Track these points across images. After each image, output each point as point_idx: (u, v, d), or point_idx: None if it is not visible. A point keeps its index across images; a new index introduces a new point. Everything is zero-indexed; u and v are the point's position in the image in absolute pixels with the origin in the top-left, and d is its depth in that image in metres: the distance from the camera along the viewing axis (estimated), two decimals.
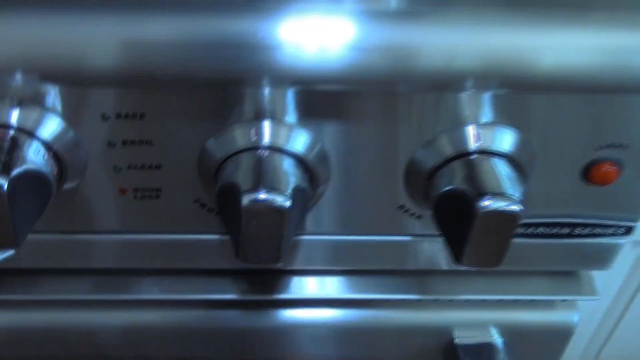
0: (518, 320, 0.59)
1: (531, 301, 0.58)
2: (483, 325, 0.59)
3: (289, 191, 0.38)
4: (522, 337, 0.59)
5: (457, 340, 0.59)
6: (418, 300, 0.56)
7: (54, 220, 0.46)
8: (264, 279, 0.55)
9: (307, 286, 0.55)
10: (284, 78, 0.39)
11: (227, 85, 0.39)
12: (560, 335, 0.59)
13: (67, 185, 0.43)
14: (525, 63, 0.39)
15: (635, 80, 0.40)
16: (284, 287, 0.54)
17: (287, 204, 0.38)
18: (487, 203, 0.38)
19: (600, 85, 0.40)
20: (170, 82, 0.39)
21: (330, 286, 0.55)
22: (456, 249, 0.41)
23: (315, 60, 0.39)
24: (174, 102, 0.40)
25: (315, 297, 0.55)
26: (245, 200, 0.38)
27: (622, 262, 0.64)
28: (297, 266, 0.51)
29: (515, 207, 0.38)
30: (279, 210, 0.38)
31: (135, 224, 0.46)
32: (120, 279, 0.55)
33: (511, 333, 0.59)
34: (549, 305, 0.58)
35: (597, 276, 0.57)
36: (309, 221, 0.47)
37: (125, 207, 0.45)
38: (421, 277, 0.56)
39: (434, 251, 0.52)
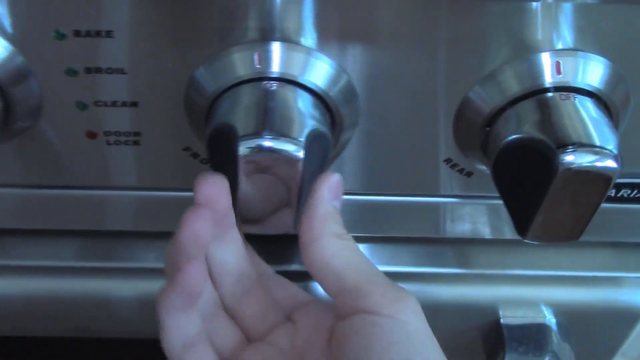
0: (576, 298, 0.49)
1: (593, 277, 0.48)
2: (534, 304, 0.49)
3: (303, 137, 0.29)
4: (580, 318, 0.50)
5: (503, 320, 0.50)
6: (457, 274, 0.47)
7: (19, 171, 0.37)
8: (273, 248, 0.46)
9: None
10: None
11: None
12: (626, 318, 0.50)
13: (18, 125, 0.33)
14: None
15: None
16: (296, 257, 0.45)
17: (300, 153, 0.28)
18: (571, 158, 0.28)
19: None
20: None
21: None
22: (522, 217, 0.31)
23: None
24: (151, 15, 0.30)
25: None
26: (244, 148, 0.28)
27: None
28: None
29: (609, 163, 0.28)
30: (290, 161, 0.28)
31: (110, 177, 0.37)
32: (106, 242, 0.45)
33: (567, 314, 0.50)
34: (613, 281, 0.49)
35: None
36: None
37: (97, 154, 0.35)
38: (461, 246, 0.47)
39: (478, 216, 0.42)
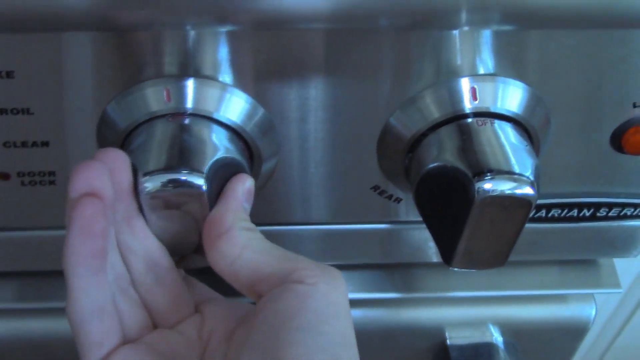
0: (522, 317, 0.49)
1: (538, 295, 0.48)
2: (480, 324, 0.49)
3: (206, 169, 0.28)
4: (527, 336, 0.50)
5: (449, 341, 0.49)
6: (403, 299, 0.46)
7: None
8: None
9: None
10: (215, 14, 0.28)
11: (131, 27, 0.28)
12: (573, 333, 0.50)
13: None
14: None
15: None
16: None
17: (203, 185, 0.27)
18: (488, 185, 0.28)
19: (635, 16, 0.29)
20: (47, 22, 0.28)
21: None
22: (445, 245, 0.31)
23: None
24: (55, 49, 0.29)
25: None
26: (149, 184, 0.27)
27: None
28: None
29: (526, 190, 0.28)
30: (194, 194, 0.27)
31: (29, 218, 0.36)
32: (45, 282, 0.44)
33: (514, 332, 0.49)
34: (559, 298, 0.49)
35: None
36: (256, 207, 0.36)
37: (12, 195, 0.34)
38: (407, 270, 0.47)
39: (420, 240, 0.42)
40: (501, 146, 0.30)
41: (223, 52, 0.30)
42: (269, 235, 0.39)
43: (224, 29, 0.29)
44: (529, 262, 0.47)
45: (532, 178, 0.28)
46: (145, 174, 0.27)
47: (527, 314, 0.49)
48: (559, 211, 0.37)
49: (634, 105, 0.32)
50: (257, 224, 0.38)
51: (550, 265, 0.47)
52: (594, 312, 0.49)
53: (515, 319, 0.49)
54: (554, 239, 0.40)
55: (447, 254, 0.31)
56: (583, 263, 0.47)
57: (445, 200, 0.30)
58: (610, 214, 0.38)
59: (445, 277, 0.47)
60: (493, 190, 0.28)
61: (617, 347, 0.64)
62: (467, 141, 0.30)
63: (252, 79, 0.31)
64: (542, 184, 0.36)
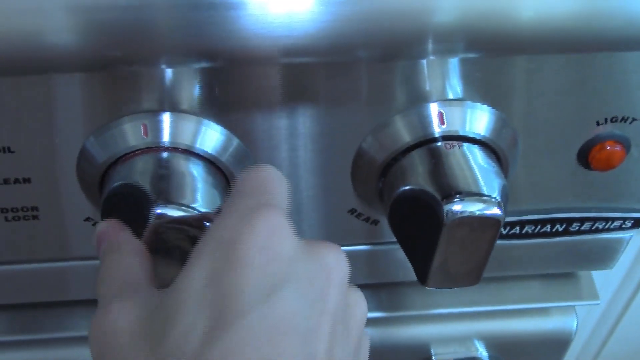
0: (506, 331, 0.50)
1: (521, 309, 0.48)
2: (465, 339, 0.49)
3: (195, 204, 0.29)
4: (512, 349, 0.50)
5: (435, 358, 0.50)
6: (388, 317, 0.47)
7: None
8: None
9: None
10: (191, 53, 0.29)
11: (110, 65, 0.29)
12: (557, 345, 0.50)
13: None
14: (497, 15, 0.29)
15: (636, 32, 0.30)
16: None
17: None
18: (456, 207, 0.29)
19: (595, 40, 0.30)
20: (28, 64, 0.28)
21: None
22: (420, 266, 0.32)
23: (229, 21, 0.28)
24: (35, 89, 0.30)
25: None
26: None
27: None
28: None
29: (494, 211, 0.29)
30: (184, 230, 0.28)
31: (14, 252, 0.36)
32: (32, 314, 0.45)
33: (499, 346, 0.50)
34: (541, 311, 0.49)
35: (594, 273, 0.48)
36: None
37: None
38: (392, 289, 0.47)
39: (403, 260, 0.42)
40: (469, 168, 0.31)
41: (198, 88, 0.31)
42: None
43: (199, 66, 0.30)
44: (511, 277, 0.47)
45: (499, 199, 0.29)
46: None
47: (510, 328, 0.50)
48: (533, 227, 0.38)
49: (597, 123, 0.33)
50: None
51: (531, 280, 0.48)
52: (575, 324, 0.49)
53: (499, 334, 0.50)
54: (531, 255, 0.41)
55: (422, 274, 0.32)
56: (563, 276, 0.48)
57: (418, 222, 0.31)
58: (582, 228, 0.39)
59: (429, 295, 0.47)
60: (462, 212, 0.29)
61: (604, 356, 0.64)
62: (436, 164, 0.31)
63: (227, 111, 0.31)
64: (515, 201, 0.37)
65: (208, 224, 0.28)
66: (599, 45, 0.31)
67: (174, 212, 0.29)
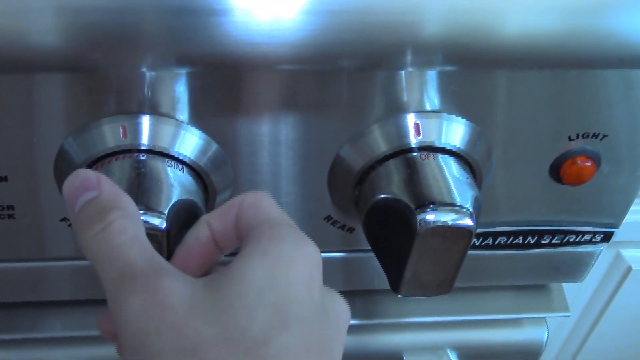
0: (479, 341, 0.50)
1: (494, 320, 0.49)
2: (438, 349, 0.50)
3: (167, 209, 0.29)
4: (484, 359, 0.51)
5: None
6: (361, 325, 0.47)
7: None
8: None
9: None
10: (170, 56, 0.29)
11: (91, 67, 0.29)
12: (528, 356, 0.51)
13: None
14: (478, 30, 0.30)
15: (614, 49, 0.31)
16: None
17: (163, 225, 0.28)
18: (429, 217, 0.29)
19: (570, 57, 0.31)
20: (10, 64, 0.29)
21: None
22: (393, 274, 0.32)
23: (211, 26, 0.28)
24: (14, 89, 0.30)
25: None
26: None
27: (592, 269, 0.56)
28: None
29: (466, 222, 0.29)
30: (153, 236, 0.28)
31: None
32: (6, 314, 0.44)
33: (471, 356, 0.51)
34: (513, 322, 0.50)
35: (565, 286, 0.48)
36: None
37: None
38: (367, 297, 0.48)
39: (379, 268, 0.43)
40: (444, 179, 0.31)
41: (178, 91, 0.31)
42: (226, 264, 0.40)
43: (180, 70, 0.30)
44: (484, 288, 0.48)
45: (471, 210, 0.30)
46: None
47: (483, 338, 0.50)
48: (505, 238, 0.39)
49: (569, 139, 0.34)
50: None
51: (503, 291, 0.49)
52: (546, 335, 0.50)
53: (471, 343, 0.50)
54: (503, 265, 0.42)
55: (395, 283, 0.32)
56: (535, 288, 0.48)
57: (392, 230, 0.32)
58: (553, 241, 0.40)
59: (403, 303, 0.48)
60: (435, 222, 0.29)
61: None
62: (411, 174, 0.31)
63: (206, 116, 0.32)
64: (489, 213, 0.38)
65: None
66: (573, 62, 0.32)
67: None
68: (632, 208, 0.40)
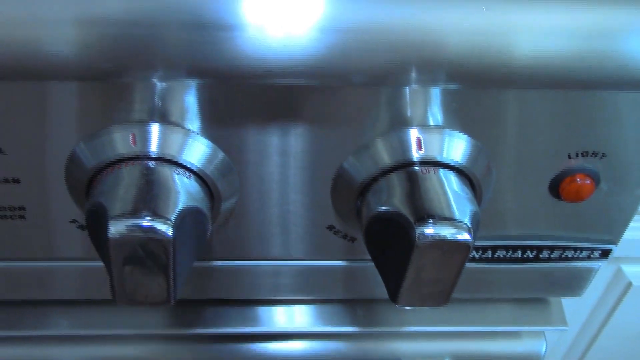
0: (477, 352, 0.51)
1: (493, 331, 0.50)
2: (437, 358, 0.50)
3: (174, 216, 0.30)
4: None
5: None
6: (361, 333, 0.48)
7: None
8: (180, 311, 0.46)
9: (227, 318, 0.46)
10: (181, 68, 0.30)
11: (104, 77, 0.30)
12: None
13: None
14: (481, 51, 0.31)
15: (615, 72, 0.32)
16: (207, 319, 0.46)
17: (170, 232, 0.29)
18: (428, 230, 0.30)
19: (571, 79, 0.32)
20: (24, 71, 0.30)
21: (253, 316, 0.46)
22: (392, 285, 0.33)
23: (224, 41, 0.29)
24: (29, 96, 0.31)
25: (237, 332, 0.46)
26: (113, 228, 0.29)
27: (593, 284, 0.57)
28: (213, 296, 0.43)
29: (463, 236, 0.30)
30: (159, 241, 0.29)
31: (0, 250, 0.37)
32: (14, 311, 0.45)
33: None
34: (512, 334, 0.51)
35: (565, 300, 0.49)
36: (216, 243, 0.38)
37: None
38: (368, 305, 0.48)
39: (377, 277, 0.43)
40: (444, 193, 0.32)
41: (187, 102, 0.32)
42: (228, 270, 0.41)
43: (190, 82, 0.31)
44: (483, 300, 0.49)
45: (469, 224, 0.31)
46: (113, 217, 0.29)
47: (481, 349, 0.51)
48: (504, 252, 0.39)
49: (569, 157, 0.35)
50: (217, 259, 0.40)
51: (503, 303, 0.49)
52: (544, 349, 0.51)
53: (470, 354, 0.51)
54: (502, 279, 0.42)
55: (394, 292, 0.33)
56: (534, 301, 0.49)
57: (391, 242, 0.32)
58: (552, 256, 0.40)
59: (404, 313, 0.48)
60: (433, 235, 0.30)
61: None
62: (412, 188, 0.32)
63: (214, 126, 0.33)
64: (489, 226, 0.39)
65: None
66: (580, 83, 0.32)
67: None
68: (634, 225, 0.41)
